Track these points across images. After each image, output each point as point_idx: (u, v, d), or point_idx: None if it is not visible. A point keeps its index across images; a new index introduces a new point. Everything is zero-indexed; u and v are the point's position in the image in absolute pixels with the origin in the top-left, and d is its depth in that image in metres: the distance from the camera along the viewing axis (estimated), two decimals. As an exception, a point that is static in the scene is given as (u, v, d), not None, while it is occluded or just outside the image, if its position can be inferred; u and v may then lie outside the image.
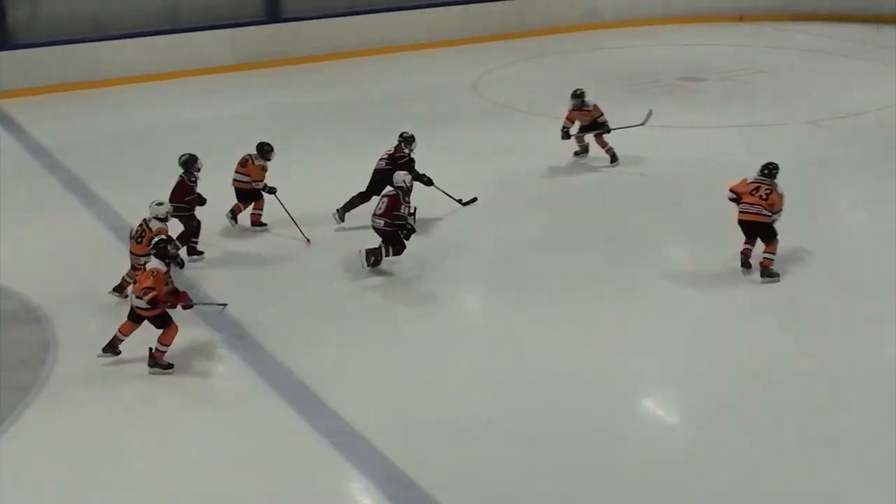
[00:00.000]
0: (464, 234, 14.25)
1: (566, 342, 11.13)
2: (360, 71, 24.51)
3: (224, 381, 10.73)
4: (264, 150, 14.18)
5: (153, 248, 10.74)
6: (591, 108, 16.41)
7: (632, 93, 21.32)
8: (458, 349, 11.17)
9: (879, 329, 11.32)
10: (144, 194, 12.62)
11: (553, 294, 12.29)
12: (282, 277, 13.09)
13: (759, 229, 12.38)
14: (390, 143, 14.53)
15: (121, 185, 16.18)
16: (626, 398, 10.17)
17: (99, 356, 10.72)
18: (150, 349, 10.52)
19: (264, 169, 14.23)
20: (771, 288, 12.24)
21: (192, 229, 13.39)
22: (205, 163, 13.40)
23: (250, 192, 14.28)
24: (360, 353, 11.06)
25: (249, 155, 14.22)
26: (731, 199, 12.44)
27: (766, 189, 12.28)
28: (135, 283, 10.84)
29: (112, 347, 10.71)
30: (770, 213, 12.27)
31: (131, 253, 11.88)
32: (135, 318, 10.58)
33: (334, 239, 14.06)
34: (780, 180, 12.32)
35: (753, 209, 12.29)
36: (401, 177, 13.09)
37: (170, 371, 10.52)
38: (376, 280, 12.81)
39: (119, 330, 10.69)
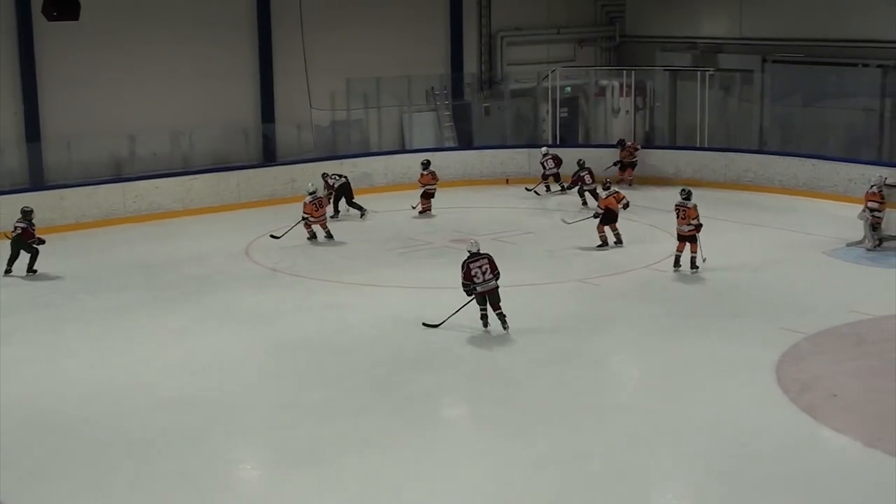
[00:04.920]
0: (236, 397, 14.02)
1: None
2: (130, 237, 24.00)
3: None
4: None
5: None
6: None
7: (403, 255, 21.62)
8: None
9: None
10: None
11: (332, 458, 12.10)
12: (51, 453, 12.49)
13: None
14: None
15: None
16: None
17: None
18: None
19: None
20: (551, 441, 12.38)
21: None
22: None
23: None
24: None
25: None
26: None
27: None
28: None
29: None
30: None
31: None
32: None
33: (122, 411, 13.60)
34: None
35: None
36: None
37: None
38: (161, 447, 12.49)
39: None
